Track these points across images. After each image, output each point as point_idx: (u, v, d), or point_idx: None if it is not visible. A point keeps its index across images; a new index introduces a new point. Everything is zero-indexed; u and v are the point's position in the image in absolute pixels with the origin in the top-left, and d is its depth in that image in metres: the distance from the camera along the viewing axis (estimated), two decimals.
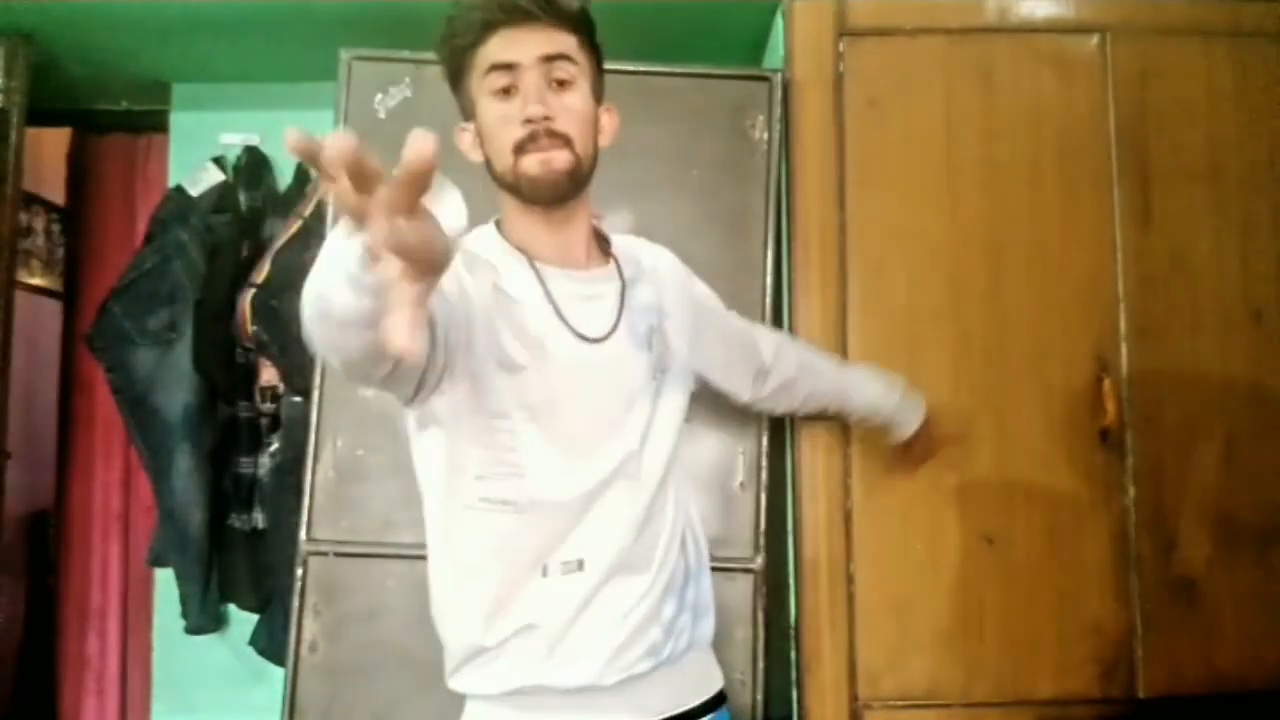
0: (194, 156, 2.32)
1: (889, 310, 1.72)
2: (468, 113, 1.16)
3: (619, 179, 1.71)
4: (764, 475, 1.72)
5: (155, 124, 2.47)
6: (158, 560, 2.26)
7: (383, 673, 1.62)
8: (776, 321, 1.74)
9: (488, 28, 1.08)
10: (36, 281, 2.87)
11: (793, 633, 1.70)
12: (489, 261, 1.13)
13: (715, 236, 1.76)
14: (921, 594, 1.63)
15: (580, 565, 1.11)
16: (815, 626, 1.64)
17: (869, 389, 1.53)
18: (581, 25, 1.13)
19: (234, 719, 2.30)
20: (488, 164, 1.14)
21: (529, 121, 1.07)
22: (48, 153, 2.68)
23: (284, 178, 2.36)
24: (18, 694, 2.72)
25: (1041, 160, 1.74)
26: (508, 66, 1.08)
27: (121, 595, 2.53)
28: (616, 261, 1.22)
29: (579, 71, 1.11)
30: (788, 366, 1.46)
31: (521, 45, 1.08)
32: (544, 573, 1.11)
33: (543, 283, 1.13)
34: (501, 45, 1.08)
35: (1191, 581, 1.66)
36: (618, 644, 1.12)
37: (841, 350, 1.69)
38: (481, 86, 1.11)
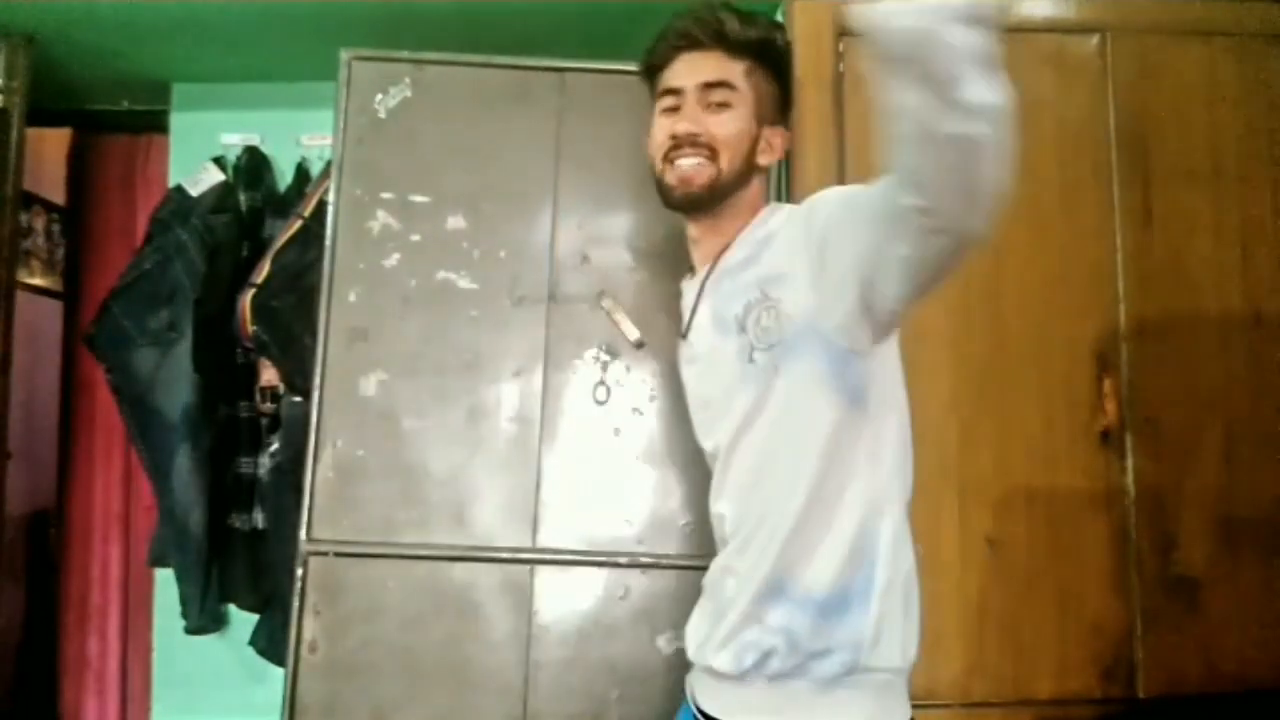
0: (194, 156, 2.32)
1: None
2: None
3: (618, 179, 1.72)
4: None
5: (155, 124, 2.47)
6: (158, 560, 2.26)
7: (383, 673, 1.62)
8: None
9: (672, 53, 1.26)
10: (36, 281, 2.87)
11: None
12: None
13: None
14: (921, 594, 1.62)
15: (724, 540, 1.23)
16: None
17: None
18: (751, 52, 1.24)
19: (234, 719, 2.30)
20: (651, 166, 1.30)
21: (675, 136, 1.22)
22: (48, 153, 2.68)
23: (284, 178, 2.36)
24: (18, 694, 2.72)
25: (1042, 160, 1.74)
26: (674, 91, 1.25)
27: (121, 595, 2.53)
28: (717, 257, 1.27)
29: (739, 97, 1.23)
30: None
31: (688, 72, 1.24)
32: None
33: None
34: (675, 71, 1.26)
35: (1191, 581, 1.66)
36: (706, 631, 1.19)
37: None
38: (658, 103, 1.29)
